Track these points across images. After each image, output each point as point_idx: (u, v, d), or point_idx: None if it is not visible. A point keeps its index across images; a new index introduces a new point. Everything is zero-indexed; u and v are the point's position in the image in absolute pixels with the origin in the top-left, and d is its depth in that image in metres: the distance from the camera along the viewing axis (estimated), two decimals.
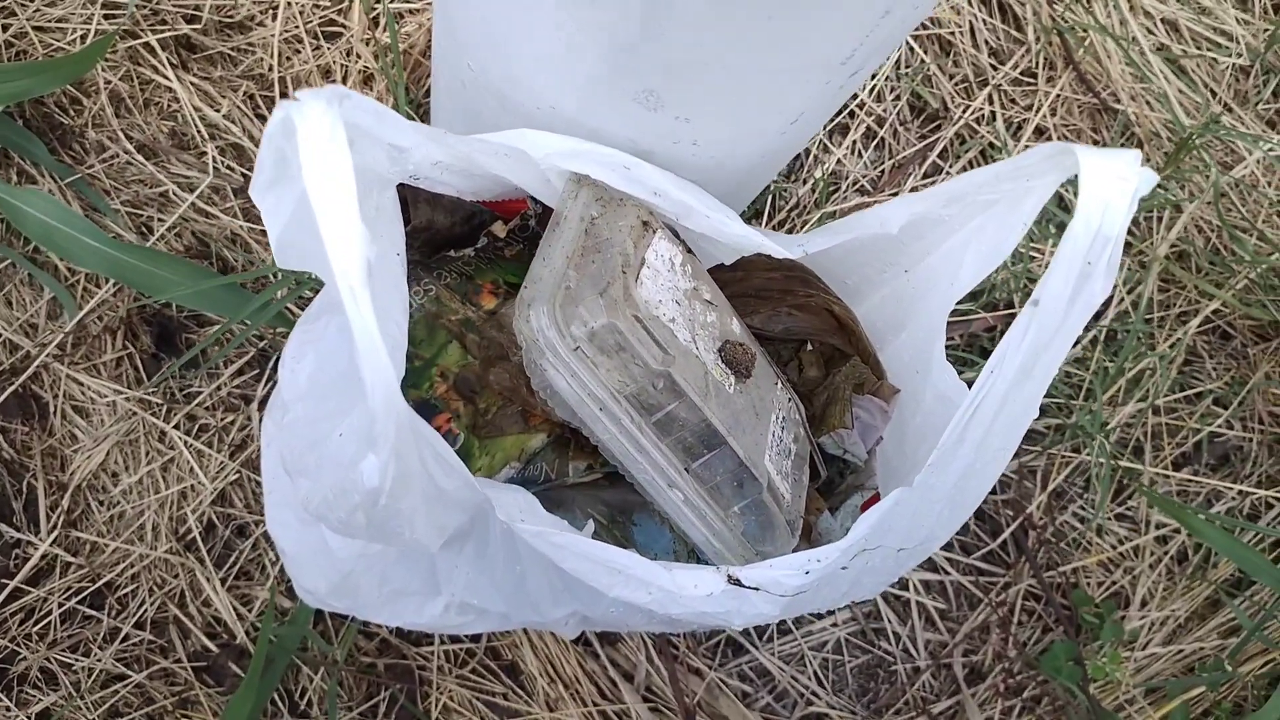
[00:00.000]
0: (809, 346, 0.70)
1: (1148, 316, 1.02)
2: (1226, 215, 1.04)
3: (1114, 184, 0.39)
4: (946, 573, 0.97)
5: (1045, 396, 0.94)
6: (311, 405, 0.60)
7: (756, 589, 0.53)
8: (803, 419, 0.63)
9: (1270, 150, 1.04)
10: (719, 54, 0.43)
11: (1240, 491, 1.01)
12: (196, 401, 0.84)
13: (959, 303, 0.98)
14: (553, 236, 0.53)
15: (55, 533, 0.82)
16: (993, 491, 0.98)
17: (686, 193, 0.54)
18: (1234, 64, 1.09)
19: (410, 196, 0.62)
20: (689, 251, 0.59)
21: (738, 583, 0.52)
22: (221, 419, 0.84)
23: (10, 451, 0.82)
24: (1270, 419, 1.03)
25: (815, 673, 0.94)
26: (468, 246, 0.65)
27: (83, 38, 0.85)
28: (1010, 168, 0.46)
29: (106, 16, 0.86)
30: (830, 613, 0.95)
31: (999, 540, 0.97)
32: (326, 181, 0.33)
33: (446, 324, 0.65)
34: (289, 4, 0.89)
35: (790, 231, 0.99)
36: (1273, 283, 1.03)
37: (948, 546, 0.97)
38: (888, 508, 0.52)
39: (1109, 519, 0.99)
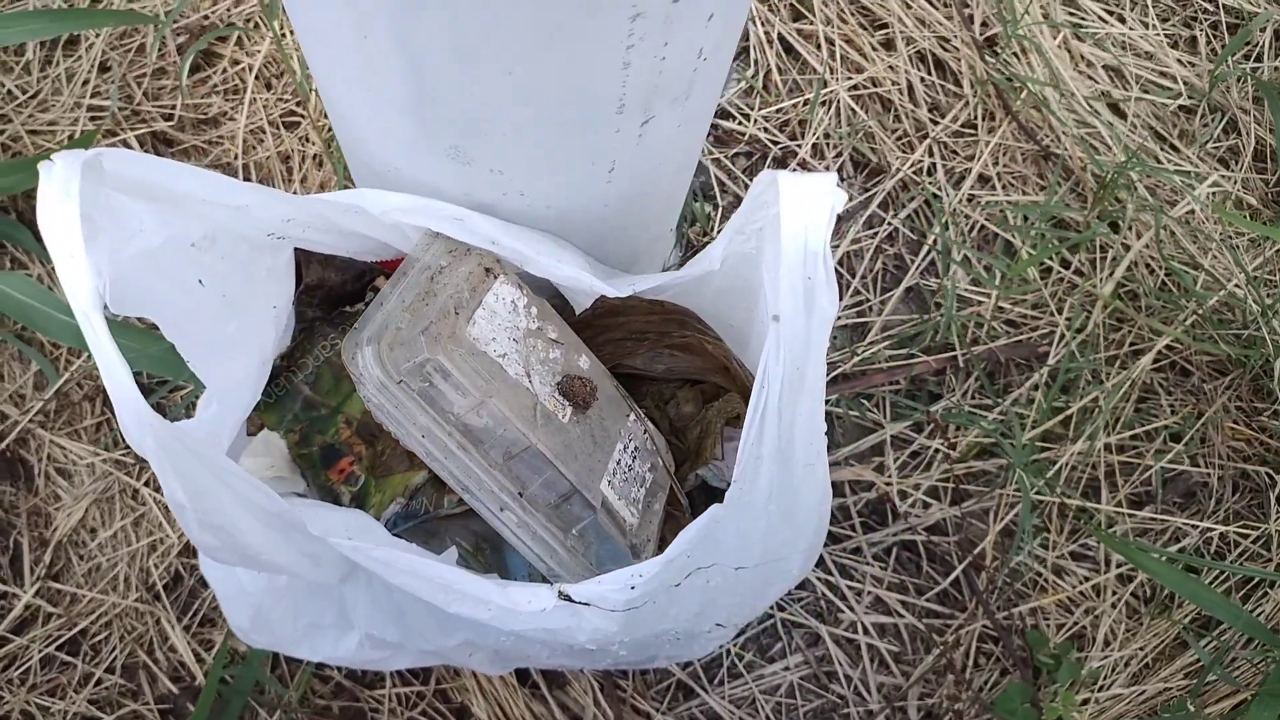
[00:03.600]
0: (692, 385, 0.73)
1: (1096, 355, 1.02)
2: (1174, 253, 1.05)
3: (812, 205, 0.43)
4: (900, 615, 0.97)
5: (988, 437, 0.96)
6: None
7: (587, 604, 0.56)
8: (660, 450, 0.67)
9: (1209, 185, 1.05)
10: (489, 109, 0.49)
11: (1204, 529, 1.00)
12: None
13: (902, 346, 1.01)
14: (394, 283, 0.59)
15: (38, 584, 0.89)
16: (943, 532, 0.99)
17: (520, 241, 0.59)
18: (1177, 105, 1.10)
19: (304, 258, 0.68)
20: (539, 296, 0.64)
21: (568, 598, 0.56)
22: None
23: (0, 511, 0.90)
24: (1232, 454, 1.02)
25: (768, 717, 0.95)
26: (359, 301, 0.71)
27: (70, 137, 0.95)
28: (752, 198, 0.50)
29: (92, 118, 0.96)
30: (781, 655, 0.96)
31: (950, 579, 0.97)
32: (55, 231, 0.40)
33: (350, 374, 0.71)
34: (253, 100, 0.98)
35: None
36: (1223, 317, 1.03)
37: (900, 588, 0.98)
38: (703, 523, 0.55)
39: (1064, 559, 0.99)
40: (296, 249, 0.66)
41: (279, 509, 0.50)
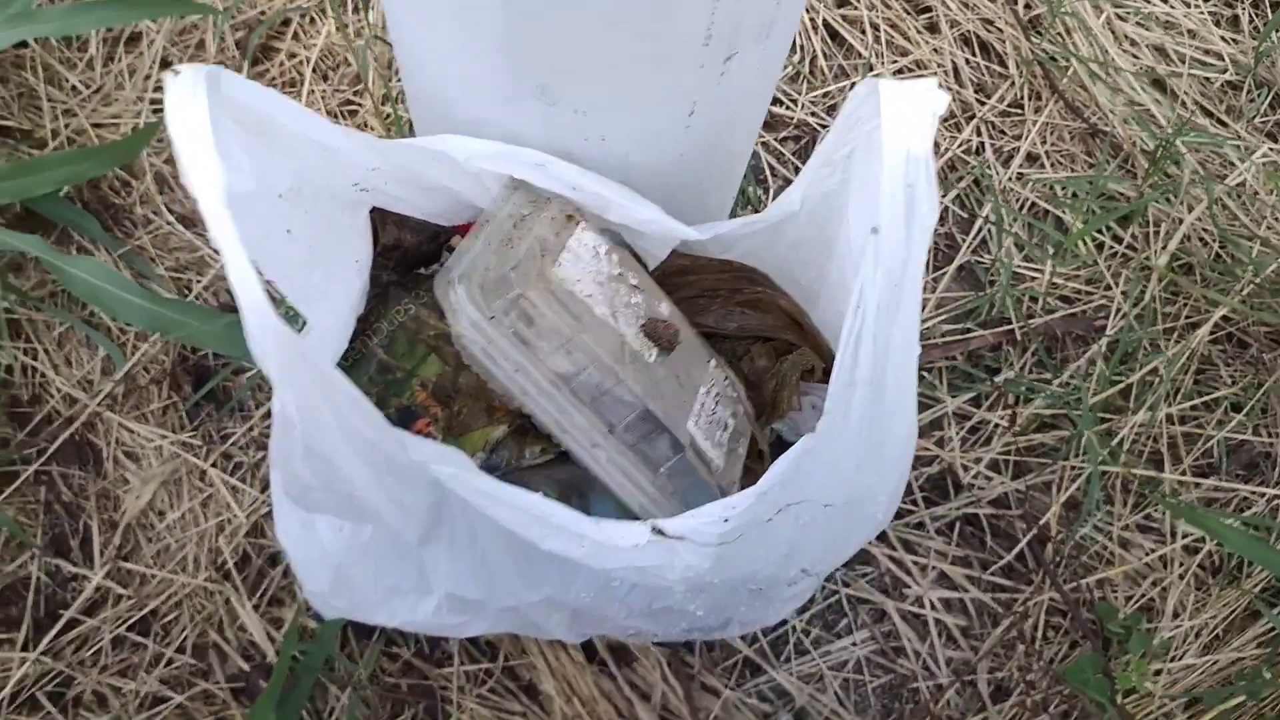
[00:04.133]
0: (764, 342, 0.74)
1: (1153, 327, 1.02)
2: (1229, 225, 1.05)
3: (914, 109, 0.44)
4: (965, 590, 0.97)
5: (1049, 409, 0.96)
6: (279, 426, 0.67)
7: (681, 539, 0.56)
8: (742, 398, 0.67)
9: (1261, 156, 1.05)
10: (580, 39, 0.50)
11: (1270, 497, 0.99)
12: (231, 441, 0.92)
13: (959, 321, 1.01)
14: (480, 229, 0.60)
15: (108, 566, 0.90)
16: (1006, 506, 0.98)
17: (603, 186, 0.60)
18: (1223, 81, 1.11)
19: (380, 220, 0.69)
20: (620, 245, 0.64)
21: (661, 533, 0.56)
22: (254, 456, 0.92)
23: (69, 494, 0.91)
24: None
25: (836, 693, 0.94)
26: (435, 263, 0.72)
27: (134, 129, 0.97)
28: (846, 115, 0.51)
29: (154, 110, 0.98)
30: (848, 631, 0.96)
31: (1014, 552, 0.97)
32: (185, 128, 0.41)
33: (425, 339, 0.72)
34: (311, 91, 0.99)
35: None
36: (1275, 285, 1.03)
37: (964, 563, 0.97)
38: (796, 454, 0.55)
39: (1130, 530, 0.98)
40: (373, 211, 0.67)
41: (380, 429, 0.50)
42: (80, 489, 0.91)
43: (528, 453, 0.66)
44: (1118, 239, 1.06)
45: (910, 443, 0.60)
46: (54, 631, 0.88)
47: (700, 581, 0.59)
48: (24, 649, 0.88)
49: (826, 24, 1.11)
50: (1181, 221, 1.05)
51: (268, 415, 0.92)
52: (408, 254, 0.71)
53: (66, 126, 0.97)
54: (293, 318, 0.91)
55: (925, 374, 1.00)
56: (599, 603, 0.72)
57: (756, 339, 0.73)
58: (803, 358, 0.70)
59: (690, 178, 0.63)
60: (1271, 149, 1.07)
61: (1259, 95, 1.11)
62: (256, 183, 0.54)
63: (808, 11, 1.10)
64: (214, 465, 0.91)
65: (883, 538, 0.97)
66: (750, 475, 0.69)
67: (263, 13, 1.03)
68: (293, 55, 1.02)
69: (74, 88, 0.99)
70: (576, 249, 0.60)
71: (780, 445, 0.74)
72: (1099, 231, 1.05)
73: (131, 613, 0.89)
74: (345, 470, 0.55)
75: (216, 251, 0.93)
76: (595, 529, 0.56)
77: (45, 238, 0.90)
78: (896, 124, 0.44)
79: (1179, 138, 1.02)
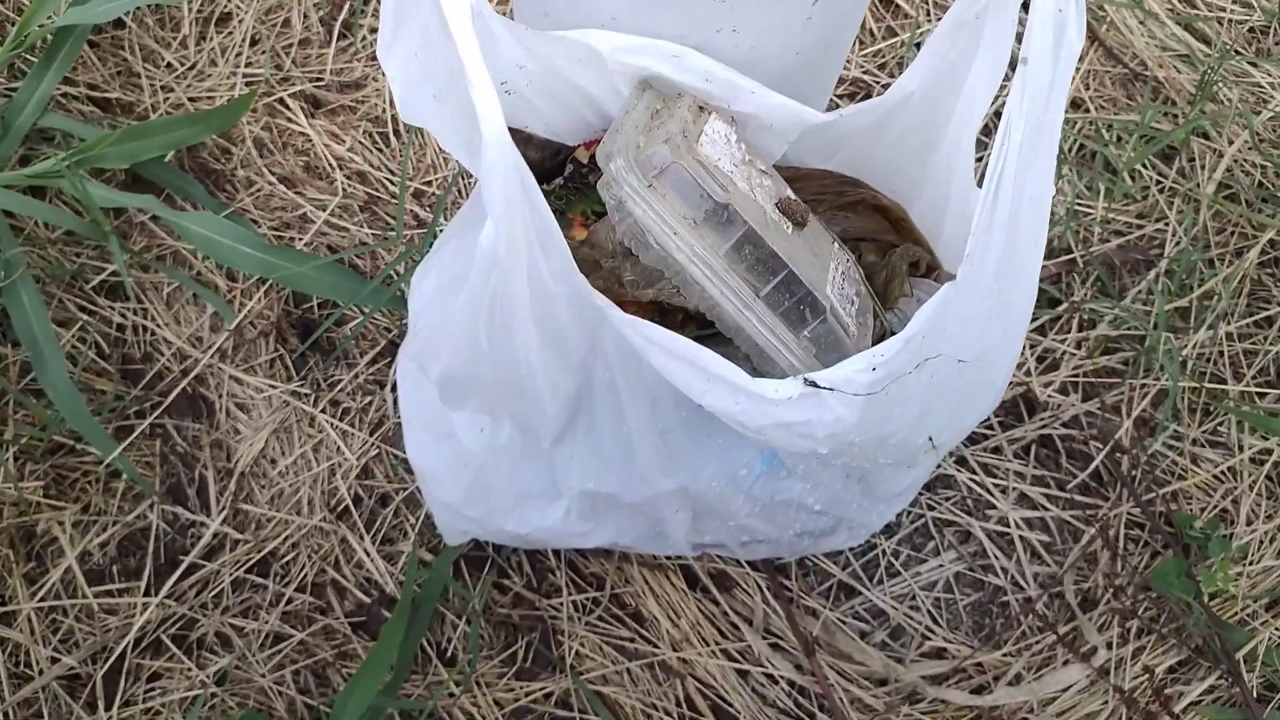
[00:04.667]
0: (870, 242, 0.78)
1: (1206, 256, 1.07)
2: (1269, 153, 1.10)
3: None
4: (1046, 509, 1.00)
5: (1116, 331, 1.00)
6: (436, 309, 0.71)
7: (831, 389, 0.60)
8: (863, 279, 0.71)
9: None
10: None
11: None
12: (339, 389, 0.95)
13: None
14: (622, 119, 0.64)
15: (224, 513, 0.92)
16: (1079, 427, 1.02)
17: (734, 75, 0.65)
18: (1252, 24, 1.17)
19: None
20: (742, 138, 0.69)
21: (813, 384, 0.60)
22: (361, 402, 0.95)
23: (184, 445, 0.94)
24: None
25: (929, 611, 0.97)
26: (557, 178, 0.76)
27: (229, 101, 1.01)
28: None
29: (247, 84, 1.03)
30: (935, 554, 0.99)
31: (1089, 470, 1.00)
32: None
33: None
34: None
35: None
36: None
37: (1042, 482, 1.01)
38: (938, 302, 0.59)
39: (1201, 446, 1.02)
40: None
41: (568, 272, 0.54)
42: (194, 440, 0.95)
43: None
44: (1164, 175, 1.11)
45: (1031, 299, 0.64)
46: (175, 577, 0.91)
47: (844, 439, 0.63)
48: (146, 594, 0.90)
49: None
50: (1222, 155, 1.10)
51: (372, 362, 0.96)
52: (533, 169, 0.75)
53: (165, 100, 1.02)
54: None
55: None
56: (726, 493, 0.75)
57: (861, 240, 0.78)
58: (909, 250, 0.74)
59: (801, 72, 0.68)
60: None
61: None
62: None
63: None
64: (323, 412, 0.95)
65: (962, 462, 1.01)
66: None
67: None
68: (373, 30, 1.07)
69: (169, 65, 1.04)
70: (712, 134, 0.64)
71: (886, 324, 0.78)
72: (1145, 166, 1.10)
73: (250, 555, 0.92)
74: (519, 334, 0.59)
75: (318, 208, 0.98)
76: (752, 383, 0.59)
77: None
78: None
79: (1222, 64, 1.07)
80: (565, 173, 0.77)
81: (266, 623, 0.90)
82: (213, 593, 0.91)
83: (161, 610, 0.90)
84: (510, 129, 0.71)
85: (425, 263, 0.74)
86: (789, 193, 0.68)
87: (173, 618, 0.90)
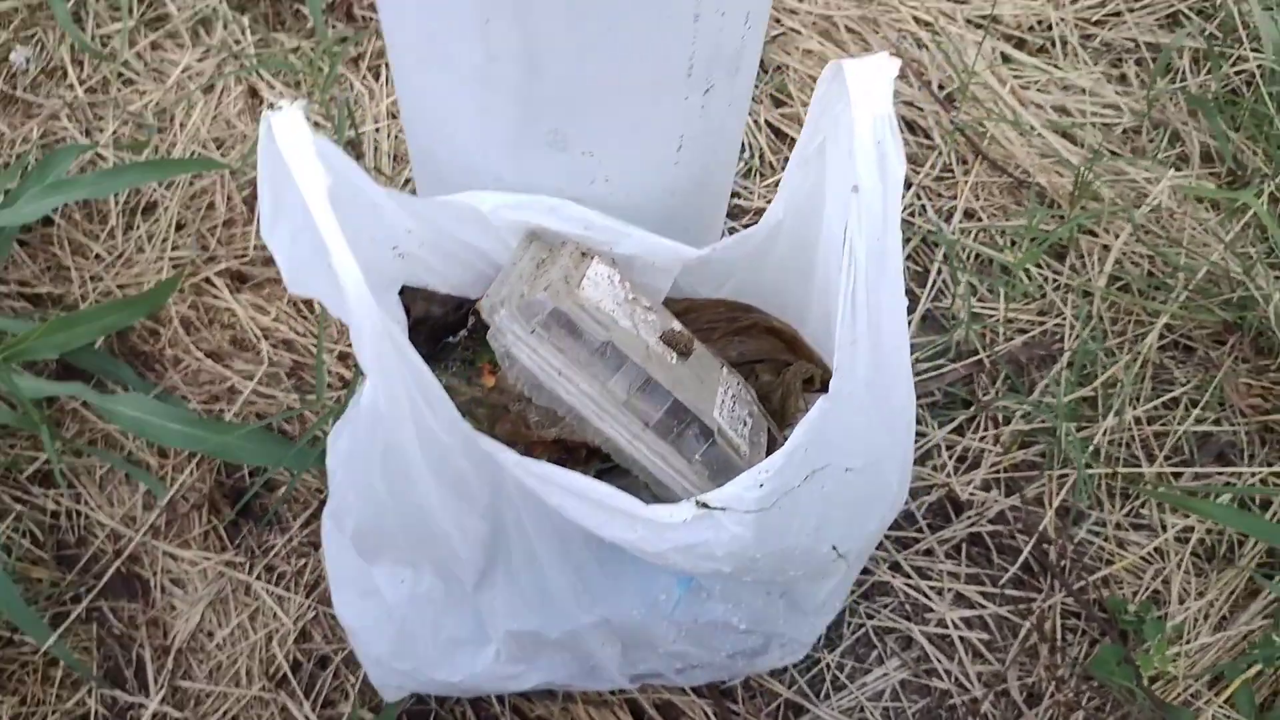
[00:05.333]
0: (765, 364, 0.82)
1: (1107, 342, 1.12)
2: (1156, 242, 1.16)
3: (874, 76, 0.54)
4: (983, 606, 1.02)
5: (1028, 424, 1.04)
6: (347, 467, 0.73)
7: (723, 509, 0.62)
8: (755, 399, 0.74)
9: (1169, 180, 1.18)
10: (584, 78, 0.60)
11: (1246, 477, 1.07)
12: (273, 554, 0.97)
13: (931, 360, 1.10)
14: (509, 270, 0.68)
15: (162, 691, 0.92)
16: (1005, 521, 1.04)
17: (613, 221, 0.69)
18: (1124, 128, 1.25)
19: (410, 297, 0.77)
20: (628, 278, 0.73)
21: (705, 505, 0.62)
22: (296, 565, 0.96)
23: (120, 626, 0.95)
24: (1251, 410, 1.10)
25: None
26: (461, 330, 0.80)
27: (157, 284, 1.05)
28: (815, 104, 0.60)
29: (174, 267, 1.07)
30: (879, 662, 1.00)
31: (1019, 563, 1.02)
32: (291, 140, 0.49)
33: (458, 405, 0.79)
34: None
35: None
36: (1211, 291, 1.13)
37: (977, 580, 1.02)
38: (816, 415, 0.62)
39: (1125, 530, 1.05)
40: (401, 291, 0.75)
41: (453, 422, 0.57)
42: (131, 620, 0.95)
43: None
44: (1058, 273, 1.16)
45: (911, 404, 0.67)
46: None
47: (745, 556, 0.65)
48: None
49: (768, 123, 1.24)
50: (1109, 248, 1.16)
51: (305, 524, 0.98)
52: (435, 325, 0.79)
53: (95, 289, 1.05)
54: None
55: None
56: (648, 621, 0.77)
57: (757, 362, 0.81)
58: (802, 368, 0.78)
59: (682, 210, 0.73)
60: (1177, 174, 1.20)
61: (1157, 134, 1.24)
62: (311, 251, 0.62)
63: (751, 115, 1.23)
64: (258, 578, 0.96)
65: (896, 567, 1.03)
66: None
67: None
68: None
69: (98, 255, 1.08)
70: (594, 278, 0.68)
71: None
72: (1040, 266, 1.16)
73: None
74: (418, 483, 0.61)
75: (245, 378, 1.01)
76: (647, 510, 0.62)
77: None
78: (861, 91, 0.54)
79: (1093, 165, 1.14)
80: (469, 325, 0.80)
81: None
82: None
83: None
84: (412, 287, 0.76)
85: (339, 422, 0.77)
86: (675, 325, 0.72)
87: None
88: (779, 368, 0.81)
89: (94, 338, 0.98)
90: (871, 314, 0.60)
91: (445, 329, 0.81)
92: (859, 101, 0.54)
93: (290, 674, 0.93)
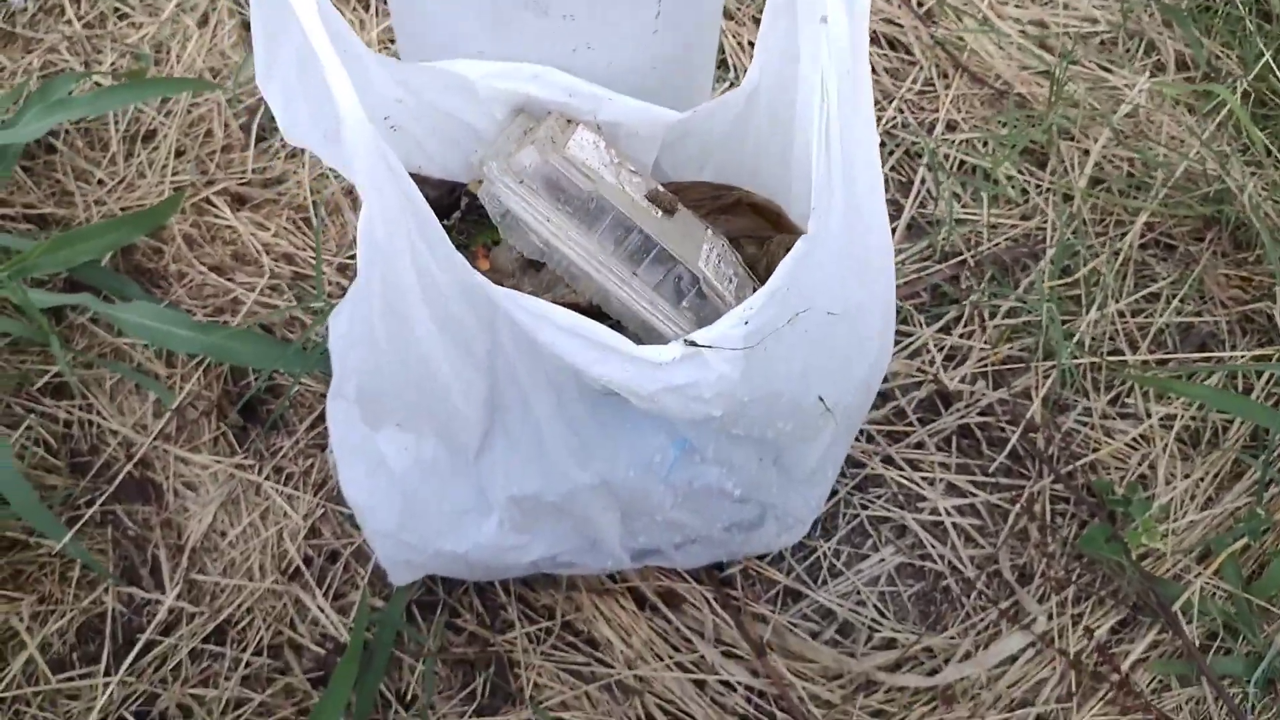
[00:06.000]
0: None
1: (1088, 244, 1.14)
2: (1132, 145, 1.19)
3: None
4: (973, 494, 1.04)
5: (1013, 318, 1.06)
6: (347, 341, 0.76)
7: (710, 346, 0.65)
8: (740, 261, 0.77)
9: (1145, 84, 1.21)
10: None
11: (1227, 363, 1.09)
12: (281, 456, 0.99)
13: (917, 261, 1.13)
14: (496, 137, 0.71)
15: (178, 588, 0.95)
16: (993, 413, 1.07)
17: (594, 88, 0.72)
18: (1100, 38, 1.27)
19: None
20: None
21: (693, 344, 0.65)
22: (304, 465, 0.99)
23: (135, 528, 0.97)
24: (1231, 302, 1.13)
25: (875, 604, 1.00)
26: (455, 214, 0.82)
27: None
28: None
29: (175, 189, 1.10)
30: (874, 550, 1.02)
31: (1007, 451, 1.05)
32: None
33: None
34: (312, 156, 1.12)
35: None
36: (1187, 187, 1.16)
37: (966, 470, 1.05)
38: (795, 255, 0.65)
39: (1111, 418, 1.07)
40: None
41: (446, 252, 0.59)
42: (145, 522, 0.98)
43: None
44: (1040, 179, 1.19)
45: (887, 250, 0.70)
46: (133, 655, 0.93)
47: (734, 399, 0.68)
48: (106, 675, 0.92)
49: (750, 43, 1.26)
50: (1089, 152, 1.18)
51: (311, 428, 1.00)
52: (432, 208, 0.81)
53: (99, 213, 1.08)
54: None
55: (899, 309, 1.11)
56: (644, 483, 0.79)
57: (741, 237, 0.84)
58: (785, 240, 0.81)
59: (665, 78, 0.75)
60: (1152, 80, 1.22)
61: (1133, 43, 1.27)
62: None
63: (733, 36, 1.26)
64: (267, 479, 0.99)
65: (889, 461, 1.05)
66: None
67: (259, 100, 1.16)
68: None
69: (100, 180, 1.11)
70: (580, 140, 0.71)
71: None
72: (1021, 172, 1.18)
73: (206, 625, 0.94)
74: (417, 325, 0.64)
75: (248, 290, 1.04)
76: (637, 349, 0.64)
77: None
78: None
79: (1068, 66, 1.17)
80: (462, 206, 0.83)
81: (226, 689, 0.92)
82: (171, 666, 0.93)
83: (122, 689, 0.91)
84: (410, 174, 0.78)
85: (339, 306, 0.79)
86: (658, 186, 0.74)
87: (134, 695, 0.92)
88: (763, 242, 0.84)
89: (100, 253, 1.00)
90: (845, 152, 0.63)
91: (439, 212, 0.83)
92: None
93: (303, 567, 0.96)
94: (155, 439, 1.00)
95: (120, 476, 0.98)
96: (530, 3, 0.67)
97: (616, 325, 0.72)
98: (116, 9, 1.21)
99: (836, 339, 0.71)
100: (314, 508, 0.98)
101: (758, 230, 0.84)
